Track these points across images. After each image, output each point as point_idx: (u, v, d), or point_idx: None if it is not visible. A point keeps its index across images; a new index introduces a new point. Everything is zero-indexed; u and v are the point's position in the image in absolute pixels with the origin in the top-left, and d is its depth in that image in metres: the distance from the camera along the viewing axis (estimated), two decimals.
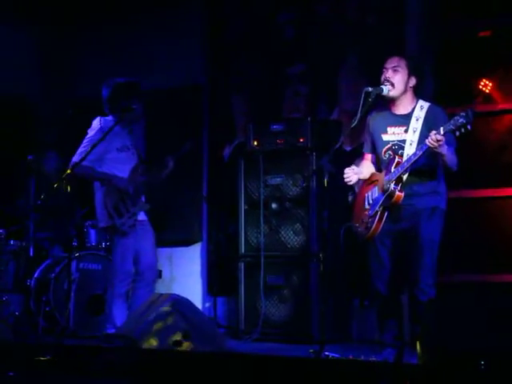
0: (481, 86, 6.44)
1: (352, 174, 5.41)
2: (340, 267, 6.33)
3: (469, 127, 4.86)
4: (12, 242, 7.17)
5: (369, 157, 5.57)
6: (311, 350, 5.29)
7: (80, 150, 6.17)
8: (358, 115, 5.25)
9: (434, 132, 4.96)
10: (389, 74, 5.33)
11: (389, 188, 5.20)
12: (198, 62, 7.94)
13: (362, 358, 5.24)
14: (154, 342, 5.28)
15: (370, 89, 5.28)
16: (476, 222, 6.49)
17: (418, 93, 5.42)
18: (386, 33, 6.84)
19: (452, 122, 4.91)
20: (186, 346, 5.28)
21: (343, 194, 6.67)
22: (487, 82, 6.43)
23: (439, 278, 5.33)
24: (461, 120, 4.87)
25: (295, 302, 6.61)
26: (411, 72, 5.35)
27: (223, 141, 7.73)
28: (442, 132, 4.94)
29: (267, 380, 4.44)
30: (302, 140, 6.67)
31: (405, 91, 5.34)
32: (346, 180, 5.41)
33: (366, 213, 5.34)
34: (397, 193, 5.19)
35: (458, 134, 4.91)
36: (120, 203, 6.16)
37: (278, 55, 7.53)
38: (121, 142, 6.25)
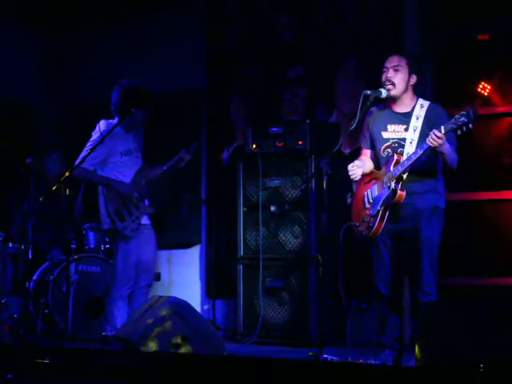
0: (479, 89, 6.45)
1: (356, 169, 5.36)
2: (338, 269, 6.33)
3: (470, 126, 4.86)
4: (11, 245, 7.17)
5: (367, 152, 5.54)
6: (310, 353, 5.29)
7: (83, 153, 6.16)
8: (357, 118, 5.24)
9: (434, 131, 4.95)
10: (390, 73, 5.32)
11: (390, 187, 5.19)
12: (197, 66, 7.94)
13: (361, 360, 5.24)
14: (153, 346, 5.28)
15: (369, 92, 5.28)
16: (474, 224, 6.49)
17: (418, 91, 5.42)
18: (384, 35, 6.84)
19: (453, 120, 4.91)
20: (184, 348, 5.28)
21: (342, 196, 6.69)
22: (486, 85, 6.43)
23: (438, 280, 5.33)
24: (462, 119, 4.86)
25: (294, 304, 6.61)
26: (412, 70, 5.34)
27: (222, 144, 7.73)
28: (443, 131, 4.93)
29: (266, 383, 4.43)
30: (300, 143, 6.67)
31: (405, 90, 5.34)
32: (351, 176, 5.35)
33: (367, 212, 5.31)
34: (398, 192, 5.17)
35: (459, 132, 4.91)
36: (122, 207, 6.17)
37: (276, 58, 7.52)
38: (125, 145, 6.27)
